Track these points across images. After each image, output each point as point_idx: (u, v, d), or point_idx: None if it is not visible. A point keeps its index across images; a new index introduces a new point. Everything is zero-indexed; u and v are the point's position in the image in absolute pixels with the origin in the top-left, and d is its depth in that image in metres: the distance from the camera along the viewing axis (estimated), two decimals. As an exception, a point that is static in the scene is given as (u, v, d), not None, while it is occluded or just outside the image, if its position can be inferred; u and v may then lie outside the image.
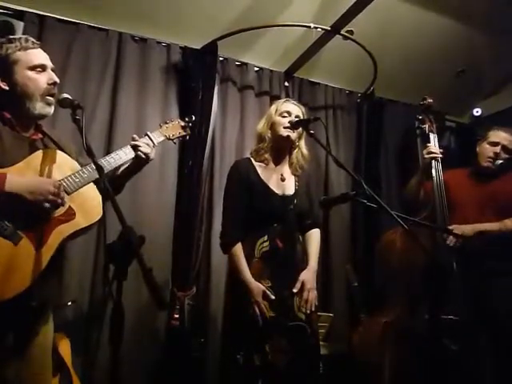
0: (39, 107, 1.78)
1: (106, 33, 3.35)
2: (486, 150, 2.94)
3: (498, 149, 2.90)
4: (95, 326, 2.89)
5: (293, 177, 2.52)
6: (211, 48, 3.42)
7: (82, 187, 1.77)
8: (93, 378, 2.77)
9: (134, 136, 2.01)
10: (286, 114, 2.46)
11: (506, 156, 2.90)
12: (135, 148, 1.96)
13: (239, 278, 2.29)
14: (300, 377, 2.23)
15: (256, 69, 3.85)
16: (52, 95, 1.81)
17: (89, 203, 1.78)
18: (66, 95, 1.79)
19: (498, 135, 2.93)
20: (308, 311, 2.31)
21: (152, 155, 2.00)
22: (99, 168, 1.60)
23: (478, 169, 2.97)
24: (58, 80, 1.84)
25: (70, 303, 2.70)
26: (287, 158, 2.53)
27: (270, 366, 2.19)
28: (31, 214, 1.63)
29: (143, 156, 1.96)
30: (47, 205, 1.63)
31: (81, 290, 2.95)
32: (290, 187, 2.47)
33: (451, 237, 2.62)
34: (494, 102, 4.37)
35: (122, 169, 2.02)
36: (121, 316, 1.37)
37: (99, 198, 1.81)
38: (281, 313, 2.26)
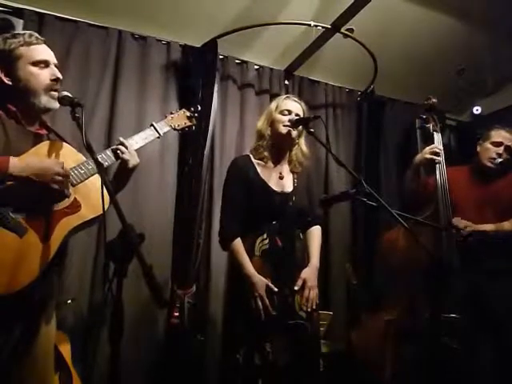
0: (45, 101, 1.78)
1: (106, 31, 3.35)
2: (488, 150, 2.91)
3: (501, 149, 2.88)
4: (95, 324, 2.89)
5: (291, 174, 2.51)
6: (211, 46, 3.42)
7: (87, 179, 1.77)
8: (93, 376, 2.77)
9: (120, 138, 1.99)
10: (286, 112, 2.45)
11: (508, 157, 2.88)
12: (115, 153, 1.93)
13: (242, 272, 2.28)
14: (300, 375, 2.23)
15: (256, 67, 3.84)
16: (55, 90, 1.81)
17: (94, 195, 1.76)
18: (65, 93, 1.79)
19: (501, 135, 2.90)
20: (309, 309, 2.31)
21: (132, 162, 1.95)
22: (99, 165, 1.60)
23: (480, 168, 2.95)
24: (60, 76, 1.84)
25: (69, 301, 2.70)
26: (287, 155, 2.52)
27: (270, 366, 2.18)
28: (37, 198, 1.62)
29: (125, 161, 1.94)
30: (55, 186, 1.62)
31: (81, 288, 2.95)
32: (288, 184, 2.47)
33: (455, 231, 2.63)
34: (494, 101, 4.37)
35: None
36: (120, 314, 1.37)
37: (105, 190, 1.81)
38: (281, 311, 2.25)
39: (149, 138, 2.05)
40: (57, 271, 1.79)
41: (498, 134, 2.92)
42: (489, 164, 2.89)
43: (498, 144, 2.89)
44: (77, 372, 2.49)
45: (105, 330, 2.80)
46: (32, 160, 1.65)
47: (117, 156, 1.93)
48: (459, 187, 2.87)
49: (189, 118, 2.22)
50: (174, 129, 2.15)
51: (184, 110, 2.24)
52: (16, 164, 1.57)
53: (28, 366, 1.68)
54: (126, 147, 1.94)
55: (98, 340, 2.85)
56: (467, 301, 2.53)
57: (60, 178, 1.63)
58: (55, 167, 1.64)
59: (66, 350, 2.47)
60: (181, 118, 2.19)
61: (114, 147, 1.94)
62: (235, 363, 2.21)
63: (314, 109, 4.01)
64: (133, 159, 1.95)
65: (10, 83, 1.76)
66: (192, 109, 2.25)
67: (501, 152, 2.87)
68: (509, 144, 2.88)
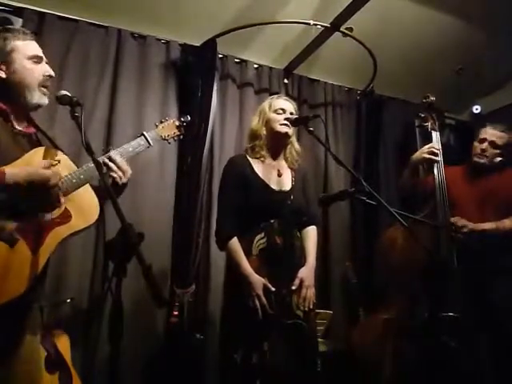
0: (37, 97, 1.79)
1: (106, 30, 3.35)
2: (475, 147, 2.99)
3: (484, 145, 2.93)
4: (95, 323, 2.89)
5: (289, 171, 2.52)
6: (210, 45, 3.41)
7: (78, 188, 1.76)
8: (92, 375, 2.78)
9: (110, 153, 1.94)
10: (280, 111, 2.46)
11: (496, 151, 2.92)
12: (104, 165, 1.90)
13: (239, 271, 2.27)
14: (298, 375, 2.23)
15: (255, 66, 3.84)
16: (46, 87, 1.82)
17: (85, 205, 1.77)
18: (65, 92, 1.78)
19: (486, 132, 2.97)
20: (306, 309, 2.31)
21: (125, 178, 1.93)
22: (98, 165, 1.60)
23: (471, 166, 3.01)
24: (53, 73, 1.86)
25: (69, 300, 2.70)
26: (282, 153, 2.53)
27: (268, 365, 2.18)
28: (29, 207, 1.62)
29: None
30: (47, 194, 1.61)
31: (80, 287, 2.94)
32: (286, 182, 2.47)
33: (456, 229, 2.64)
34: (493, 100, 4.37)
35: None
36: (120, 313, 1.38)
37: (95, 199, 1.81)
38: (279, 311, 2.25)
39: (139, 147, 2.05)
40: (44, 276, 1.77)
41: (484, 132, 2.99)
42: (476, 160, 2.95)
43: (482, 140, 2.96)
44: (76, 371, 2.49)
45: (104, 329, 2.80)
46: (27, 169, 1.62)
47: (107, 167, 1.90)
48: (456, 186, 2.88)
49: (178, 127, 2.23)
50: (164, 139, 2.16)
51: (174, 119, 2.25)
52: (11, 174, 1.56)
53: (14, 367, 1.64)
54: (117, 164, 1.91)
55: (98, 339, 2.85)
56: (467, 299, 2.53)
57: (55, 182, 1.62)
58: (51, 177, 1.62)
59: (65, 350, 2.47)
60: (170, 128, 2.20)
61: (103, 160, 1.90)
62: (233, 363, 2.21)
63: (314, 108, 4.02)
64: (126, 174, 1.93)
65: (3, 76, 1.76)
66: (182, 118, 2.26)
67: (484, 147, 2.93)
68: (492, 139, 2.93)
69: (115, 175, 1.91)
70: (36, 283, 1.64)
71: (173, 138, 2.21)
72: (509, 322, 2.61)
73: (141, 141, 2.05)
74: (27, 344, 1.71)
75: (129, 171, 1.95)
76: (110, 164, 1.91)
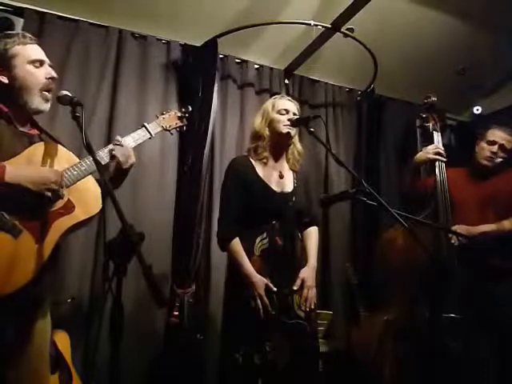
0: (37, 102, 1.79)
1: (106, 30, 3.35)
2: (483, 149, 2.95)
3: (495, 148, 2.90)
4: (95, 323, 2.89)
5: (291, 173, 2.51)
6: (211, 45, 3.41)
7: (80, 180, 1.77)
8: (92, 375, 2.78)
9: (117, 137, 2.00)
10: (284, 112, 2.45)
11: (504, 155, 2.91)
12: (111, 153, 1.94)
13: (241, 272, 2.28)
14: (299, 375, 2.23)
15: (256, 66, 3.85)
16: (49, 90, 1.82)
17: (88, 196, 1.78)
18: (65, 92, 1.79)
19: (496, 134, 2.94)
20: (307, 309, 2.32)
21: (129, 161, 1.97)
22: (98, 164, 1.60)
23: (476, 168, 2.98)
24: (56, 75, 1.86)
25: (69, 300, 2.70)
26: (284, 155, 2.52)
27: (269, 365, 2.18)
28: (32, 204, 1.62)
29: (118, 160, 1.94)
30: (48, 193, 1.63)
31: (81, 287, 2.96)
32: (288, 184, 2.47)
33: (454, 236, 2.63)
34: (494, 100, 4.37)
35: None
36: (120, 312, 1.38)
37: (98, 190, 1.82)
38: (280, 311, 2.26)
39: (141, 138, 2.06)
40: (52, 270, 1.79)
41: (493, 133, 2.95)
42: (485, 162, 2.93)
43: (492, 143, 2.93)
44: (77, 370, 2.49)
45: (105, 328, 2.80)
46: (28, 169, 1.65)
47: (112, 156, 1.93)
48: (458, 187, 2.88)
49: (180, 118, 2.24)
50: (165, 129, 2.17)
51: (175, 110, 2.26)
52: (12, 171, 1.57)
53: (22, 365, 1.67)
54: (122, 146, 1.95)
55: (98, 339, 2.84)
56: (467, 300, 2.53)
57: (55, 185, 1.63)
58: (50, 175, 1.64)
59: (66, 349, 2.47)
60: (172, 119, 2.21)
61: (111, 147, 1.95)
62: (234, 363, 2.21)
63: (314, 108, 4.02)
64: (129, 159, 1.96)
65: (5, 81, 1.76)
66: (183, 109, 2.27)
67: (495, 150, 2.91)
68: (502, 143, 2.91)
69: (117, 154, 1.93)
70: (44, 275, 1.65)
71: (175, 128, 2.22)
72: (509, 322, 2.61)
73: (141, 132, 2.05)
74: (37, 339, 1.72)
75: (132, 156, 1.98)
76: (117, 147, 1.94)
